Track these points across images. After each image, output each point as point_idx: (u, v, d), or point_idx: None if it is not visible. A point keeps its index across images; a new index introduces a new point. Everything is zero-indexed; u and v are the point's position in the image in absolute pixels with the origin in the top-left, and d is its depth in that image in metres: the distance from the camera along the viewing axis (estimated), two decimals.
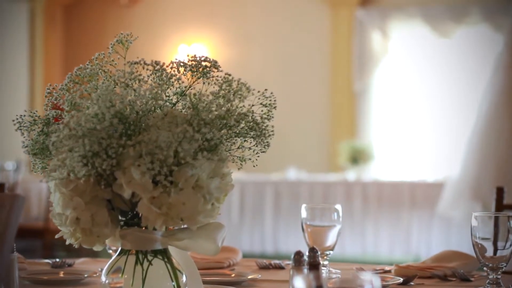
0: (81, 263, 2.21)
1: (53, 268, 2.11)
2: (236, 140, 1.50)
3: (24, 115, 1.54)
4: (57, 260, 2.19)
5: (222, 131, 1.46)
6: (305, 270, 1.34)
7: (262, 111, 1.50)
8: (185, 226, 1.47)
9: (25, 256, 2.17)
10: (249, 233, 7.23)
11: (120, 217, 1.48)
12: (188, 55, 1.52)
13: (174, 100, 1.51)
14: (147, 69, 1.48)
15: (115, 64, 1.53)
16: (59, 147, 1.40)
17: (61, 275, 1.99)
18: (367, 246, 6.98)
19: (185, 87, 1.51)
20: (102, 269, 1.52)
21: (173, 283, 1.49)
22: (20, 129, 1.53)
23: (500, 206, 2.54)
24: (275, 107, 1.50)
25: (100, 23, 9.40)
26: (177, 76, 1.50)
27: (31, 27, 9.15)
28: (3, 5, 8.73)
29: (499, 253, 1.81)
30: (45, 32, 9.24)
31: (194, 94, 1.48)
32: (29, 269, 2.05)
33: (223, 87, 1.48)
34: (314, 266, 1.34)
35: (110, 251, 2.03)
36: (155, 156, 1.37)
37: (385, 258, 6.88)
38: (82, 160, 1.38)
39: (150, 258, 1.48)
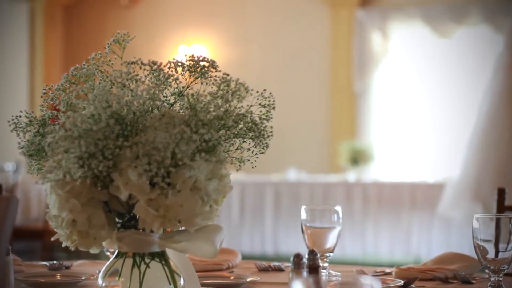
0: (78, 265, 2.19)
1: (50, 271, 2.09)
2: (234, 141, 1.49)
3: (20, 116, 1.52)
4: (55, 262, 2.17)
5: (220, 132, 1.45)
6: (305, 273, 1.32)
7: (261, 111, 1.48)
8: (183, 228, 1.45)
9: (24, 257, 2.15)
10: (249, 234, 7.21)
11: (117, 219, 1.46)
12: (186, 55, 1.50)
13: (172, 101, 1.49)
14: (144, 69, 1.46)
15: (112, 64, 1.51)
16: (54, 148, 1.38)
17: (58, 277, 1.97)
18: (368, 247, 6.97)
19: (183, 87, 1.49)
20: (99, 272, 1.51)
21: (171, 286, 1.47)
22: (16, 130, 1.51)
23: (501, 207, 2.52)
24: (274, 108, 1.48)
25: (100, 23, 9.39)
26: (175, 76, 1.48)
27: (31, 27, 9.14)
28: (3, 5, 8.72)
29: (500, 255, 1.79)
30: (45, 33, 9.22)
31: (192, 95, 1.46)
32: (26, 271, 2.03)
33: (221, 87, 1.46)
34: (314, 269, 1.32)
35: (108, 253, 2.01)
36: (152, 157, 1.36)
37: (385, 259, 6.86)
38: (78, 161, 1.36)
39: (147, 260, 1.46)
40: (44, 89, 1.51)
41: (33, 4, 9.11)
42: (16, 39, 8.96)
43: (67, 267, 2.14)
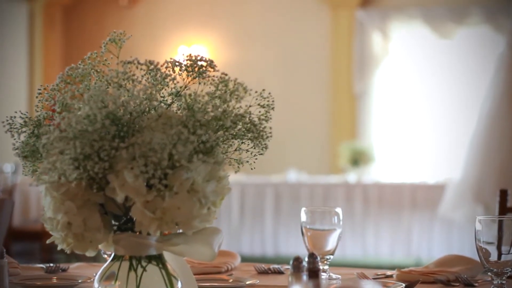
0: (75, 268, 2.16)
1: (47, 273, 2.06)
2: (233, 142, 1.46)
3: (15, 117, 1.50)
4: (51, 265, 2.14)
5: (218, 133, 1.42)
6: (304, 277, 1.30)
7: (259, 112, 1.45)
8: (181, 231, 1.42)
9: (23, 258, 2.13)
10: (249, 235, 7.19)
11: (113, 222, 1.43)
12: (183, 54, 1.47)
13: (169, 101, 1.47)
14: (141, 69, 1.44)
15: (109, 63, 1.48)
16: (49, 150, 1.36)
17: (54, 280, 1.94)
18: (368, 248, 6.94)
19: (180, 87, 1.47)
20: (96, 275, 1.48)
21: None
22: (11, 131, 1.49)
23: (503, 209, 2.49)
24: (273, 108, 1.45)
25: (100, 24, 9.36)
26: (172, 76, 1.45)
27: (31, 28, 9.12)
28: (2, 5, 8.70)
29: (503, 257, 1.77)
30: (44, 33, 9.21)
31: (190, 95, 1.44)
32: (22, 274, 2.01)
33: (219, 87, 1.44)
34: (314, 272, 1.29)
35: (106, 256, 1.98)
36: (149, 158, 1.33)
37: (386, 260, 6.84)
38: (74, 163, 1.34)
39: (144, 264, 1.43)
40: (39, 89, 1.49)
41: (32, 5, 9.09)
42: (15, 39, 8.94)
43: (64, 270, 2.12)
